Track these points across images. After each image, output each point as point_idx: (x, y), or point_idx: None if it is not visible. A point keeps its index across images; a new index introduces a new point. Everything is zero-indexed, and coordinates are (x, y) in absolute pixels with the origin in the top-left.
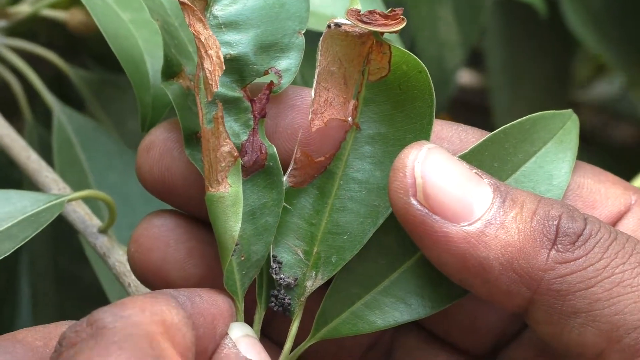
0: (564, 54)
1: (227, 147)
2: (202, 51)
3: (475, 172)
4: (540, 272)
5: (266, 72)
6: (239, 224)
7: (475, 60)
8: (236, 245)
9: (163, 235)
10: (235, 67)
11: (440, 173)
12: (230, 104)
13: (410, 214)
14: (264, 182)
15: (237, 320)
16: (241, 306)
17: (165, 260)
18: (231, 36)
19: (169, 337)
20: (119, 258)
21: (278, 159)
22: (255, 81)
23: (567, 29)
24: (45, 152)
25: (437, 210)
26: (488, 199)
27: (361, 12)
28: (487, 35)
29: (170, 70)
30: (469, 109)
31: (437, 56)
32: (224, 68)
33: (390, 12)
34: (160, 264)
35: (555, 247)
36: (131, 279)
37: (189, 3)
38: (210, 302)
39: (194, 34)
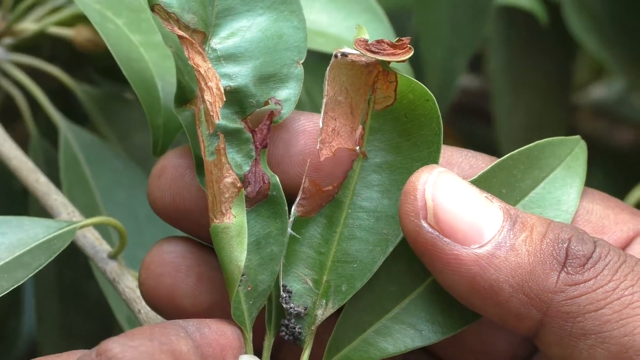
0: (564, 58)
1: (230, 178)
2: (202, 83)
3: (486, 196)
4: (550, 294)
5: (266, 103)
6: (244, 254)
7: (474, 63)
8: (242, 275)
9: (174, 262)
10: (236, 98)
11: (451, 196)
12: (232, 136)
13: (421, 236)
14: (268, 211)
15: (245, 351)
16: (249, 336)
17: (176, 286)
18: (230, 68)
19: None
20: (128, 284)
21: (281, 188)
22: (256, 112)
23: (567, 33)
24: (51, 168)
25: (448, 233)
26: (498, 222)
27: (369, 42)
28: (488, 39)
29: (183, 97)
30: (469, 112)
31: (440, 60)
32: (225, 100)
33: (397, 41)
34: (171, 291)
35: (565, 269)
36: (141, 306)
37: (187, 37)
38: (219, 332)
39: (193, 67)
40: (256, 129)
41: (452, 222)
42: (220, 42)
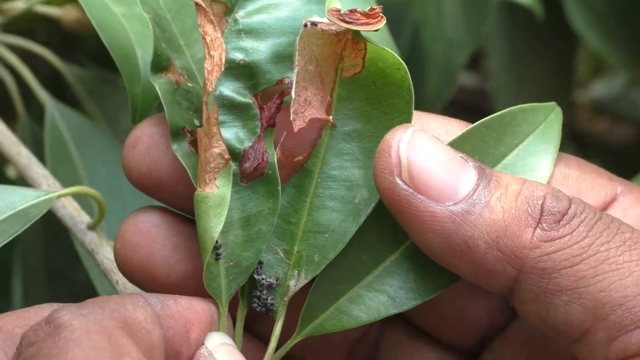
0: (566, 54)
1: (218, 149)
2: (206, 51)
3: (461, 156)
4: (525, 251)
5: (279, 82)
6: (220, 226)
7: (473, 61)
8: (227, 249)
9: (149, 232)
10: (249, 73)
11: (425, 154)
12: (239, 110)
13: (395, 194)
14: (263, 189)
15: (219, 325)
16: (224, 311)
17: (151, 256)
18: (249, 43)
19: (130, 332)
20: (107, 255)
21: (277, 167)
22: (267, 89)
23: (569, 29)
24: (39, 148)
25: (423, 190)
26: (473, 180)
27: (341, 11)
28: (490, 36)
29: (160, 65)
30: (467, 110)
31: (442, 54)
32: (222, 70)
33: (370, 10)
34: (146, 261)
35: (540, 225)
36: (119, 276)
37: (203, 5)
38: (187, 306)
39: (202, 34)
40: (265, 107)
41: (426, 179)
42: (245, 15)
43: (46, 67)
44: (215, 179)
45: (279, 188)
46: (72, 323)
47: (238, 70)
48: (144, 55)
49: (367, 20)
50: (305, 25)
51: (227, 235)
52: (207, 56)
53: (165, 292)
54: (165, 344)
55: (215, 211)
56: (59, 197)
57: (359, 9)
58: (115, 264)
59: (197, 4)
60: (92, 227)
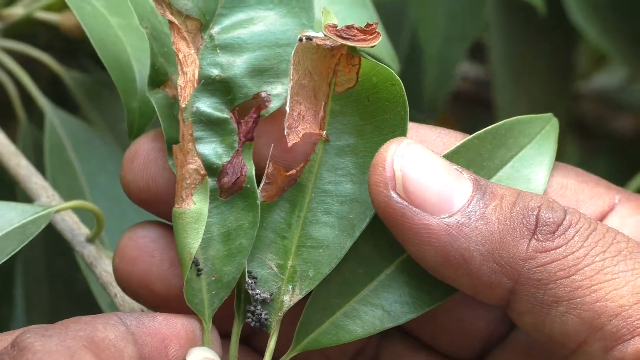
0: (565, 46)
1: (194, 165)
2: (179, 68)
3: (455, 168)
4: (520, 262)
5: (255, 96)
6: (198, 242)
7: (477, 52)
8: (207, 264)
9: (147, 246)
10: (225, 88)
11: (420, 166)
12: (217, 125)
13: (390, 207)
14: (242, 204)
15: (203, 340)
16: (208, 327)
17: (149, 271)
18: (225, 58)
19: (96, 350)
20: (105, 268)
21: (254, 180)
22: (244, 103)
23: (569, 22)
24: (39, 155)
25: (417, 202)
26: (468, 192)
27: (338, 27)
28: (490, 28)
29: (157, 79)
30: (471, 101)
31: (439, 51)
32: (195, 86)
33: (366, 26)
34: (144, 275)
35: (535, 236)
36: (117, 290)
37: (176, 22)
38: (165, 324)
39: (175, 51)
40: (242, 121)
41: (421, 192)
42: (220, 31)
43: (46, 72)
44: (192, 195)
45: (258, 202)
46: (35, 345)
47: (214, 86)
48: (140, 69)
49: (363, 37)
50: (300, 40)
51: (208, 250)
52: (180, 73)
53: (164, 306)
54: (142, 359)
55: (193, 227)
56: (57, 211)
57: (355, 25)
58: (113, 278)
59: (170, 21)
60: (90, 240)
